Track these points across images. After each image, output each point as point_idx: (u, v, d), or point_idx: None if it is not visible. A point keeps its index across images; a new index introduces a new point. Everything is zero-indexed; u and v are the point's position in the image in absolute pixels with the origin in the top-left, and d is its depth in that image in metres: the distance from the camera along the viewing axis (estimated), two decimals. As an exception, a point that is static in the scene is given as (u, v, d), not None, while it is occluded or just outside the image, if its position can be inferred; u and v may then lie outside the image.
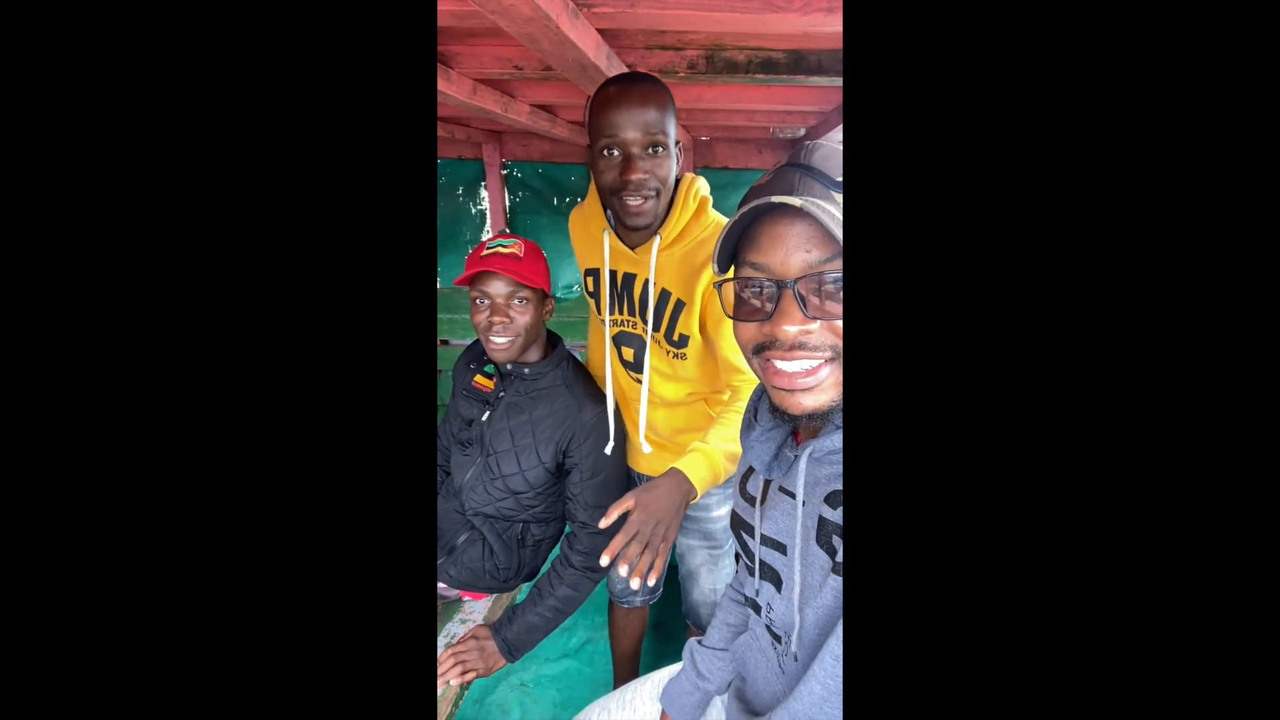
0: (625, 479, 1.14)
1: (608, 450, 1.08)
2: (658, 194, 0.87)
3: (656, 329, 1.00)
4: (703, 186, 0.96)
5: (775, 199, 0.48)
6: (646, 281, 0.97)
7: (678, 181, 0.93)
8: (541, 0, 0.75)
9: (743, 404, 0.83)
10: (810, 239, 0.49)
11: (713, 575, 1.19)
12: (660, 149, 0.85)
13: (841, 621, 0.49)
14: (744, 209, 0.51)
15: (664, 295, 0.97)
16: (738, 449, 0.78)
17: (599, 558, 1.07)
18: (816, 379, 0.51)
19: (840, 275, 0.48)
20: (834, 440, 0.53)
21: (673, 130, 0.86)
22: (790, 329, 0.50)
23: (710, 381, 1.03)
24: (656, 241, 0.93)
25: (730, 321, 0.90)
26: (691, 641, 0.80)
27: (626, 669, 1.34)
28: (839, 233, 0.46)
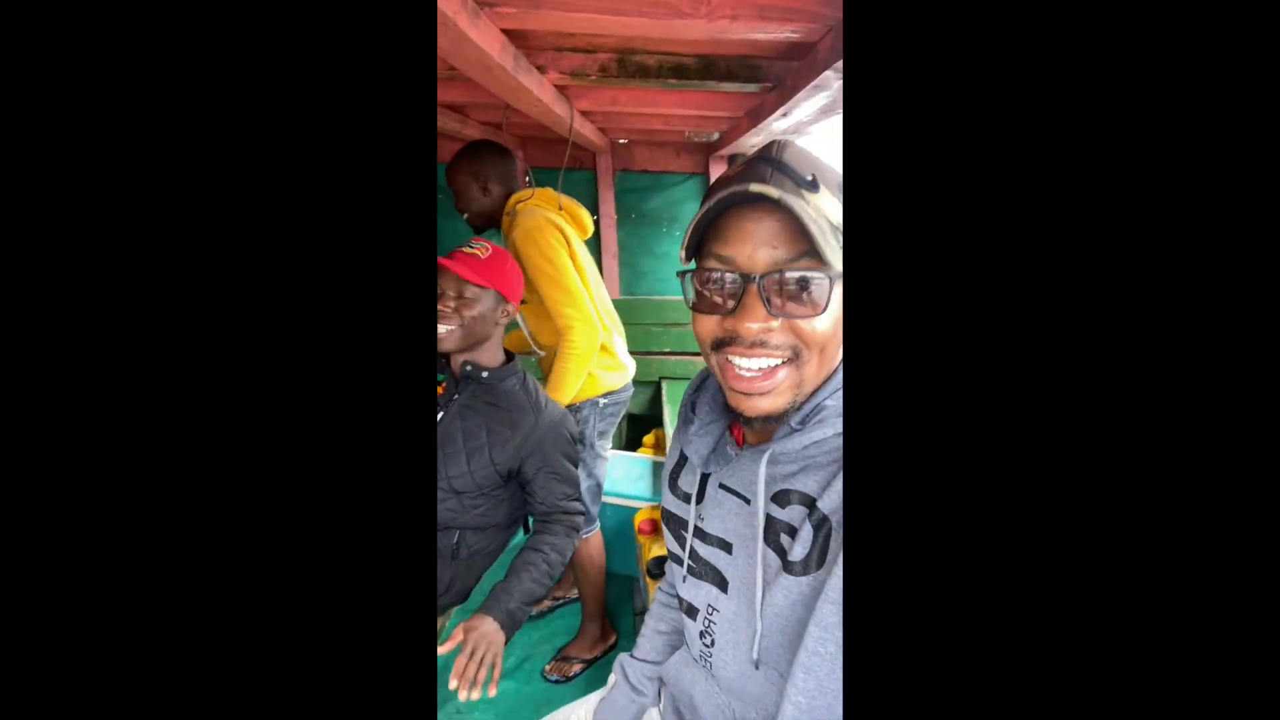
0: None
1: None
2: (465, 218, 1.55)
3: None
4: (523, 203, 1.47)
5: (754, 188, 0.46)
6: None
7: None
8: (437, -3, 0.71)
9: (566, 357, 1.32)
10: (778, 235, 0.48)
11: None
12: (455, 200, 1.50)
13: (806, 636, 0.48)
14: (719, 195, 0.48)
15: None
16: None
17: (582, 516, 1.21)
18: (774, 381, 0.50)
19: (805, 274, 0.47)
20: (795, 441, 0.52)
21: (463, 185, 1.48)
22: (752, 326, 0.48)
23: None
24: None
25: (544, 270, 1.31)
26: (623, 656, 0.78)
27: (595, 601, 1.61)
28: (813, 228, 0.45)
